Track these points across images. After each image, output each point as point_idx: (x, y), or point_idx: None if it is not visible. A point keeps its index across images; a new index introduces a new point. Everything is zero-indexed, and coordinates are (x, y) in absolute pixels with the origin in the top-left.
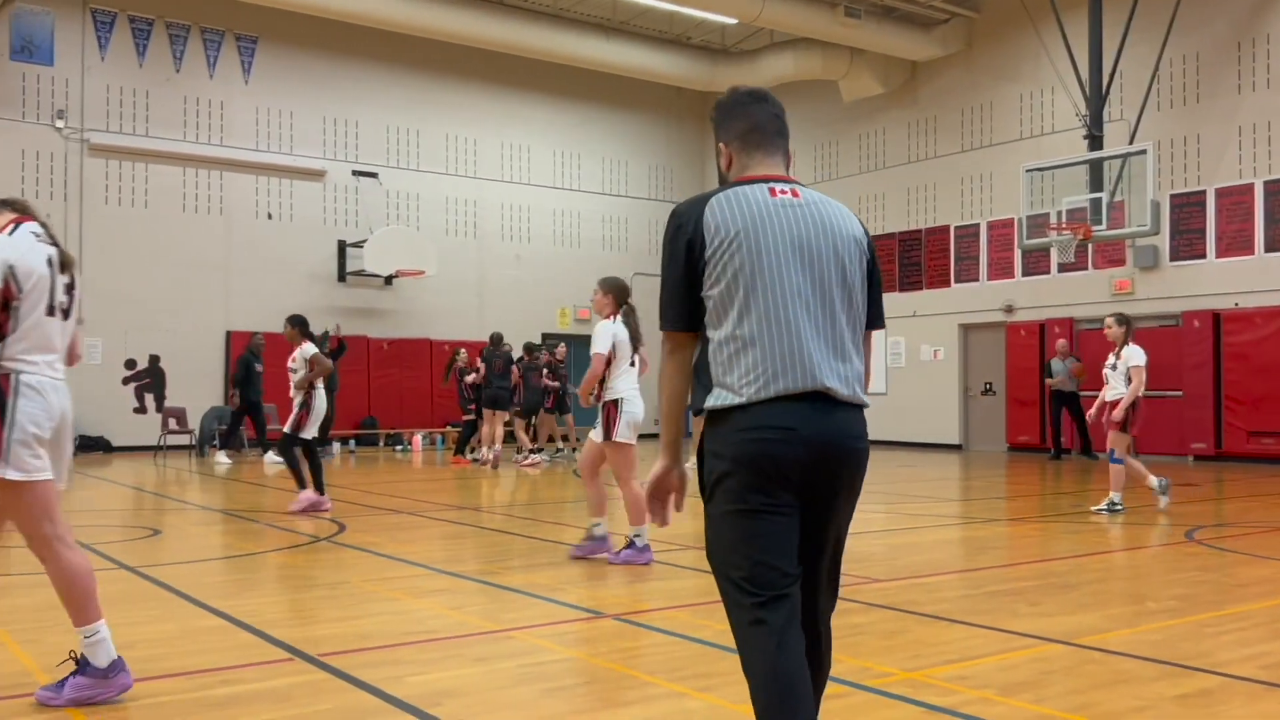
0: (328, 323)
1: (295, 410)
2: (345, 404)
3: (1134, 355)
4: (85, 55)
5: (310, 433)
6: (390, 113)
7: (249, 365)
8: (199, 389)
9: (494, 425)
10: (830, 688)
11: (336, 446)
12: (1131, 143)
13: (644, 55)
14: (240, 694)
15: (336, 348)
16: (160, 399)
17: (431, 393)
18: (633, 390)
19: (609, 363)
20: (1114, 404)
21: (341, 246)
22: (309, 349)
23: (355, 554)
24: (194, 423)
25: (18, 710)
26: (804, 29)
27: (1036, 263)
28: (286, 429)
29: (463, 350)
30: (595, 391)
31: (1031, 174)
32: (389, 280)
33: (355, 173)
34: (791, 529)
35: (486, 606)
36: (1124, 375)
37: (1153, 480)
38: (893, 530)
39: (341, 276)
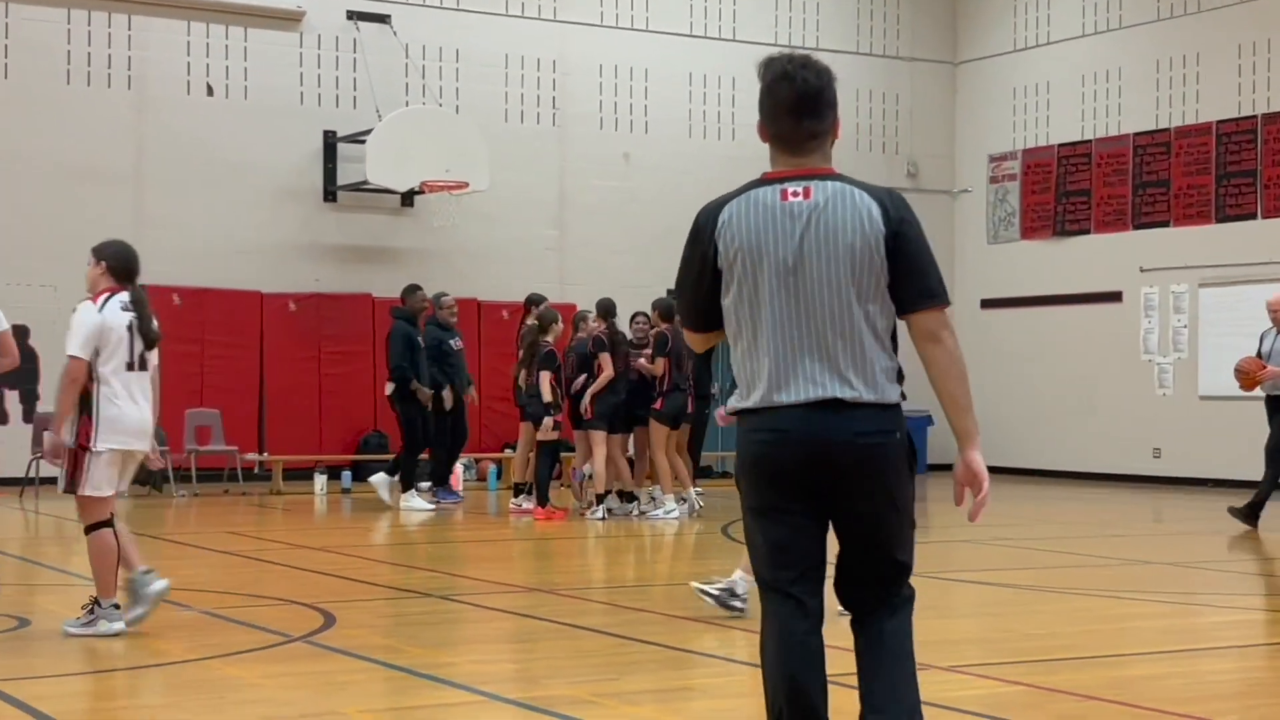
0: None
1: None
2: (336, 411)
3: None
4: None
5: None
6: None
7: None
8: None
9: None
10: None
11: (336, 478)
12: None
13: None
14: None
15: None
16: (29, 400)
17: (482, 389)
18: None
19: None
20: None
21: (329, 142)
22: None
23: (352, 664)
24: None
25: None
26: None
27: None
28: None
29: (548, 312)
30: None
31: None
32: (408, 199)
33: (352, 14)
34: (800, 529)
35: None
36: None
37: None
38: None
39: (329, 193)
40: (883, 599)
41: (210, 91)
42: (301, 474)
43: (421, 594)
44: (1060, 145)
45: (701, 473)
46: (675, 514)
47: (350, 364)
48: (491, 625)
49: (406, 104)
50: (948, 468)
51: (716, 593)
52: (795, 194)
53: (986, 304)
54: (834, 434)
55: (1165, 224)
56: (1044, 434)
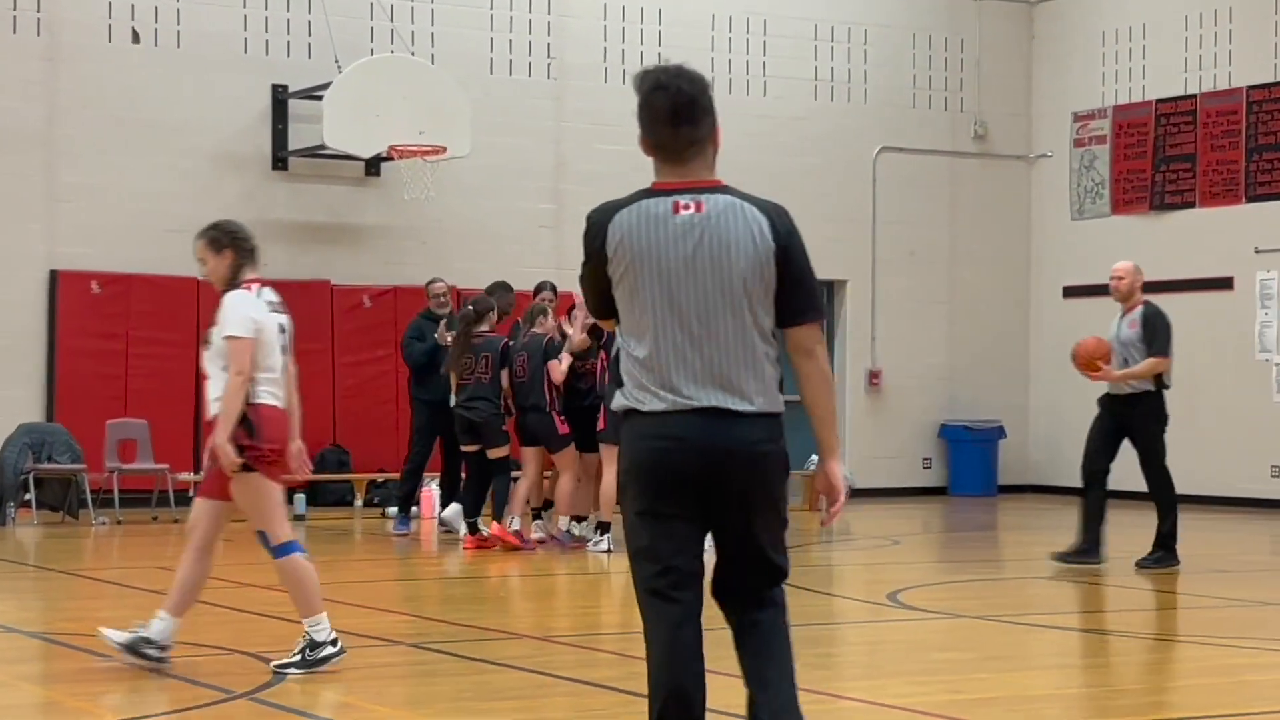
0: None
1: None
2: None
3: None
4: None
5: None
6: None
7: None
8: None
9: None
10: None
11: (288, 502)
12: None
13: None
14: None
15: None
16: None
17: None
18: None
19: None
20: None
21: (279, 99)
22: None
23: None
24: None
25: None
26: None
27: None
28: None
29: (541, 302)
30: None
31: None
32: (374, 167)
33: None
34: (687, 534)
35: None
36: None
37: None
38: None
39: (279, 160)
40: (762, 601)
41: (136, 38)
42: None
43: (389, 641)
44: (1159, 101)
45: None
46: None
47: (304, 365)
48: (474, 679)
49: (372, 52)
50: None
51: (125, 640)
52: (686, 207)
53: (1070, 292)
54: (729, 442)
55: None
56: None
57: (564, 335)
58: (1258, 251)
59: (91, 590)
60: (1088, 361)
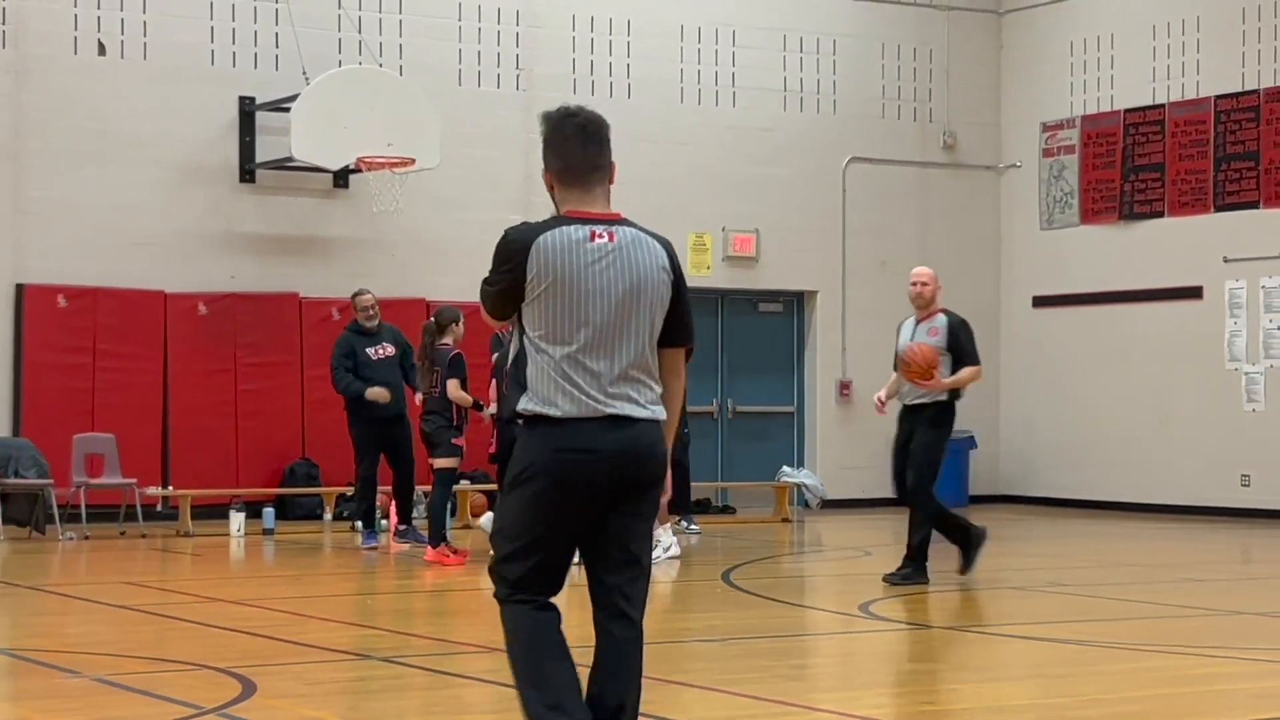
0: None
1: None
2: (256, 436)
3: None
4: None
5: None
6: None
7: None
8: None
9: None
10: None
11: (256, 516)
12: None
13: None
14: None
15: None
16: None
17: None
18: None
19: None
20: None
21: (246, 110)
22: None
23: None
24: None
25: None
26: None
27: None
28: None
29: (448, 310)
30: None
31: None
32: (342, 179)
33: None
34: (570, 536)
35: None
36: None
37: None
38: None
39: (247, 173)
40: (629, 598)
41: (103, 50)
42: (214, 512)
43: (360, 656)
44: (1127, 111)
45: (697, 507)
46: (675, 552)
47: (273, 378)
48: (445, 693)
49: (339, 64)
50: (990, 499)
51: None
52: (601, 236)
53: (1040, 302)
54: (634, 446)
55: (1254, 205)
56: (1109, 458)
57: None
58: (1227, 260)
59: (59, 606)
60: (924, 370)
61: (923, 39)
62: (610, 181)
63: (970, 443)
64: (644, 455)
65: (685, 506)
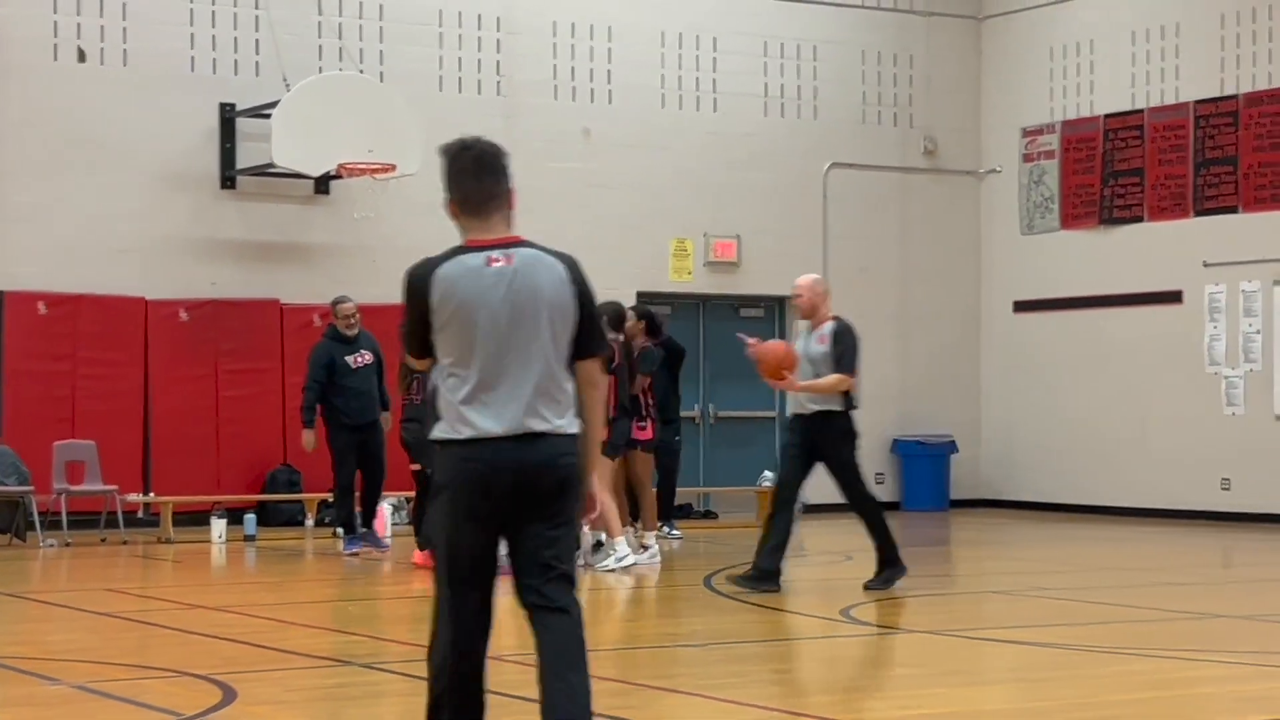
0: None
1: None
2: (237, 442)
3: None
4: None
5: None
6: None
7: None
8: None
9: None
10: None
11: (237, 522)
12: None
13: None
14: None
15: None
16: None
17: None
18: None
19: None
20: None
21: (227, 117)
22: None
23: None
24: None
25: None
26: None
27: None
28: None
29: None
30: None
31: None
32: (323, 185)
33: None
34: (493, 540)
35: None
36: None
37: None
38: None
39: (227, 179)
40: (547, 595)
41: (82, 57)
42: (196, 518)
43: (341, 662)
44: (1107, 116)
45: (679, 512)
46: (629, 561)
47: (254, 384)
48: (426, 700)
49: (320, 71)
50: (972, 504)
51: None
52: (498, 260)
53: (1020, 306)
54: (541, 460)
55: (1233, 210)
56: (1090, 463)
57: None
58: (1206, 265)
59: (40, 613)
60: (774, 369)
61: (903, 45)
62: (510, 208)
63: (951, 447)
64: (548, 466)
65: (668, 512)
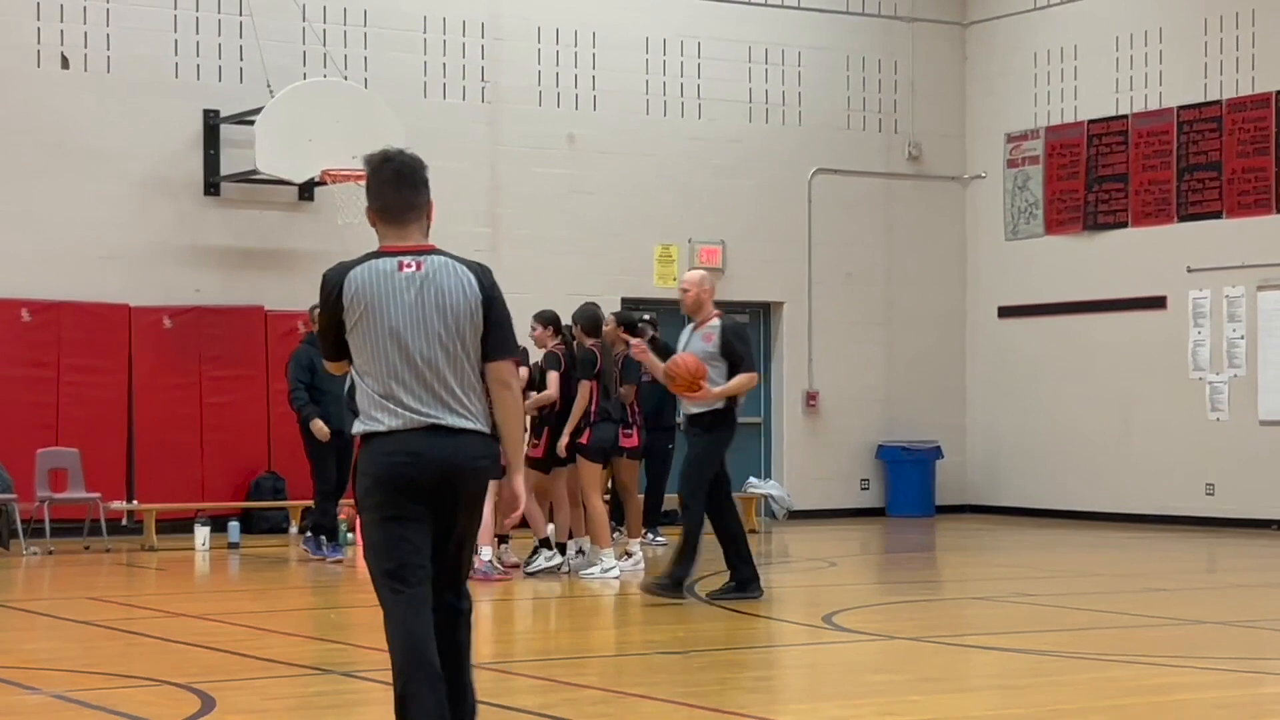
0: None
1: None
2: (221, 450)
3: None
4: None
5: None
6: None
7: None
8: None
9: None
10: None
11: (221, 530)
12: None
13: None
14: None
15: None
16: None
17: None
18: None
19: None
20: None
21: (211, 124)
22: None
23: None
24: None
25: None
26: None
27: None
28: None
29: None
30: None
31: None
32: (307, 192)
33: None
34: (422, 533)
35: None
36: None
37: None
38: None
39: (211, 185)
40: (457, 593)
41: (66, 63)
42: (179, 526)
43: (320, 670)
44: (1091, 122)
45: (664, 518)
46: (615, 574)
47: (238, 391)
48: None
49: (304, 76)
50: (957, 509)
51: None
52: (409, 266)
53: (1005, 312)
54: (455, 455)
55: (1217, 215)
56: (1073, 468)
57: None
58: (1190, 270)
59: (23, 621)
60: (690, 381)
61: (888, 51)
62: (428, 219)
63: (936, 453)
64: (465, 464)
65: (654, 519)
